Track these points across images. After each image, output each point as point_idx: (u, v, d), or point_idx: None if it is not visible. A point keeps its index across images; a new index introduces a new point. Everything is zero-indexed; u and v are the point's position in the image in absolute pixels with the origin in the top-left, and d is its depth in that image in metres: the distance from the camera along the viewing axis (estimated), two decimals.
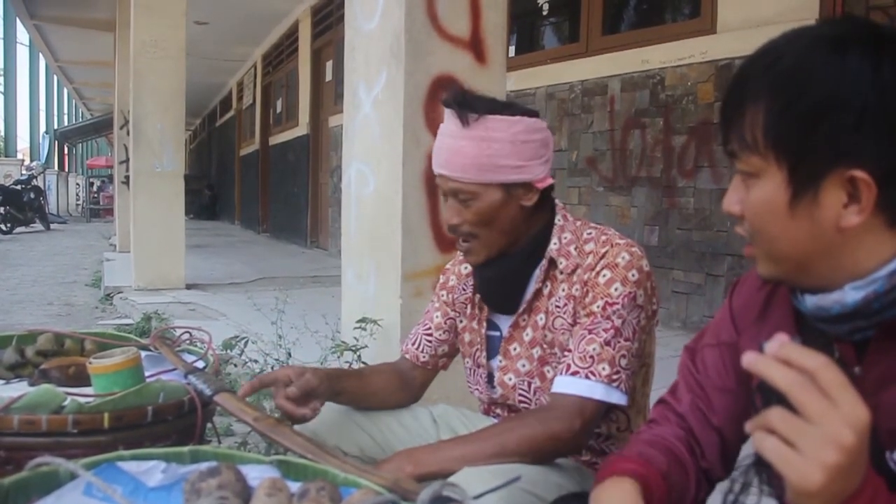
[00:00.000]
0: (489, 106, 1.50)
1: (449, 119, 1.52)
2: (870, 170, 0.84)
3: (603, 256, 1.51)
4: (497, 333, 1.67)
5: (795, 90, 0.86)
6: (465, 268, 1.74)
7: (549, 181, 1.56)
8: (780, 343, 0.72)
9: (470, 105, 1.50)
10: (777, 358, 0.71)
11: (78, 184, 28.39)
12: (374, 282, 2.70)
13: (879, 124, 0.83)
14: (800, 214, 0.88)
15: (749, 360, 0.72)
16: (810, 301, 0.92)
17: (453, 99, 1.52)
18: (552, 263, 1.57)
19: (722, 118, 0.95)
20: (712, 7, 4.75)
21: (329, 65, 10.63)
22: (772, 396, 0.70)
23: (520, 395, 1.61)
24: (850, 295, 0.88)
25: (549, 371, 1.57)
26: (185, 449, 1.11)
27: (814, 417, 0.68)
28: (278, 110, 14.09)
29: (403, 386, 1.76)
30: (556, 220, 1.60)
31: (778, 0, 4.19)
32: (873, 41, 0.85)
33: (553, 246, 1.57)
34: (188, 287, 7.08)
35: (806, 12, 4.05)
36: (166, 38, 7.10)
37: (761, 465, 0.71)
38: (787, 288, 0.99)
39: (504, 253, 1.58)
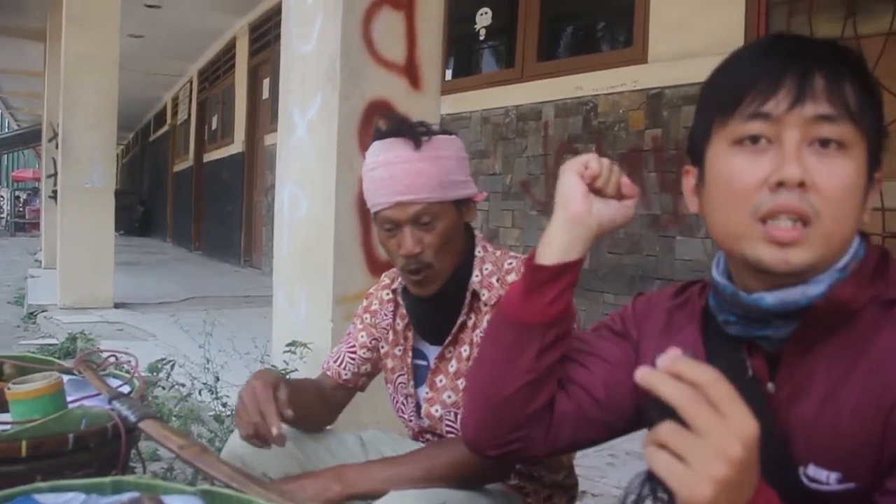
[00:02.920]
0: (427, 128, 1.55)
1: (392, 147, 1.53)
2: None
3: None
4: (424, 363, 1.68)
5: (877, 88, 0.93)
6: (387, 294, 1.74)
7: (484, 195, 1.63)
8: (671, 357, 0.72)
9: (412, 129, 1.54)
10: (668, 372, 0.71)
11: (2, 196, 27.50)
12: (306, 305, 2.69)
13: None
14: (867, 194, 0.92)
15: (641, 375, 0.71)
16: (772, 297, 0.92)
17: (399, 126, 1.55)
18: (475, 296, 1.58)
19: (806, 80, 0.90)
20: (644, 38, 4.88)
21: (266, 83, 10.55)
22: (665, 411, 0.70)
23: (447, 425, 1.62)
24: (814, 287, 0.90)
25: None
26: (107, 479, 1.09)
27: (703, 431, 0.67)
28: (213, 127, 13.91)
29: (324, 403, 1.75)
30: (476, 252, 1.62)
31: (706, 33, 4.32)
32: None
33: (475, 278, 1.58)
34: (116, 306, 6.92)
35: (732, 46, 4.17)
36: (99, 51, 6.95)
37: (654, 479, 0.71)
38: (742, 287, 0.97)
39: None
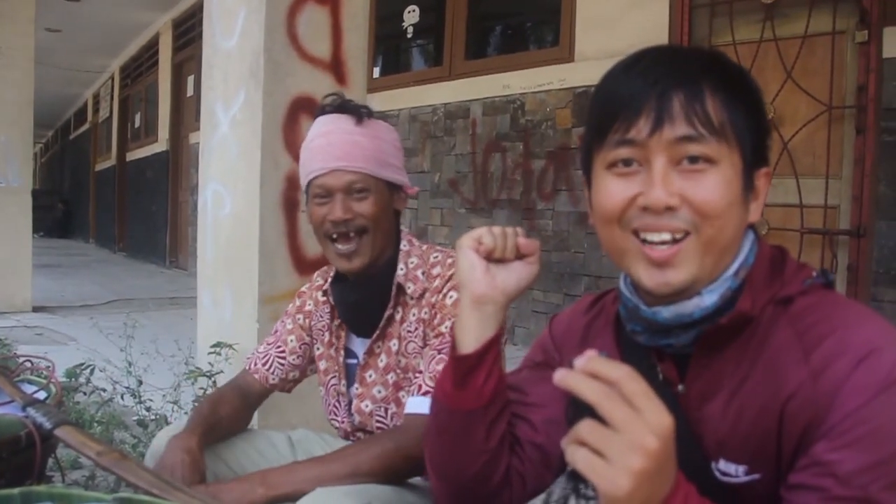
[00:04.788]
0: (369, 111, 1.62)
1: (335, 120, 1.58)
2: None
3: (449, 279, 1.55)
4: (354, 361, 1.68)
5: (751, 91, 0.95)
6: (322, 295, 1.73)
7: (415, 189, 1.69)
8: (587, 357, 0.74)
9: (356, 107, 1.60)
10: (585, 372, 0.73)
11: None
12: (231, 305, 2.65)
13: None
14: (744, 204, 0.94)
15: (559, 376, 0.74)
16: (668, 311, 0.95)
17: (343, 103, 1.61)
18: (400, 289, 1.59)
19: (663, 103, 0.91)
20: (570, 37, 4.94)
21: (191, 80, 10.34)
22: (583, 410, 0.72)
23: (377, 420, 1.62)
24: (707, 298, 0.93)
25: (404, 396, 1.58)
26: (16, 491, 1.04)
27: (619, 426, 0.70)
28: (136, 125, 13.57)
29: (246, 407, 1.75)
30: (401, 246, 1.63)
31: (631, 34, 4.40)
32: None
33: (400, 271, 1.60)
34: (35, 310, 6.69)
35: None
36: (13, 45, 6.68)
37: (577, 477, 0.73)
38: (643, 302, 0.99)
39: (367, 274, 1.59)
